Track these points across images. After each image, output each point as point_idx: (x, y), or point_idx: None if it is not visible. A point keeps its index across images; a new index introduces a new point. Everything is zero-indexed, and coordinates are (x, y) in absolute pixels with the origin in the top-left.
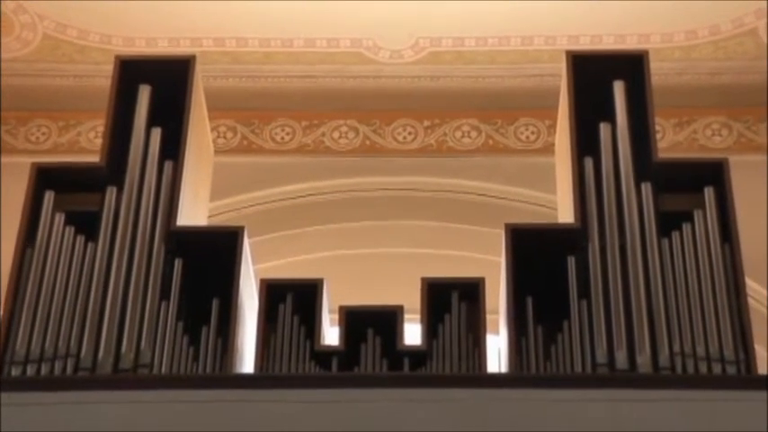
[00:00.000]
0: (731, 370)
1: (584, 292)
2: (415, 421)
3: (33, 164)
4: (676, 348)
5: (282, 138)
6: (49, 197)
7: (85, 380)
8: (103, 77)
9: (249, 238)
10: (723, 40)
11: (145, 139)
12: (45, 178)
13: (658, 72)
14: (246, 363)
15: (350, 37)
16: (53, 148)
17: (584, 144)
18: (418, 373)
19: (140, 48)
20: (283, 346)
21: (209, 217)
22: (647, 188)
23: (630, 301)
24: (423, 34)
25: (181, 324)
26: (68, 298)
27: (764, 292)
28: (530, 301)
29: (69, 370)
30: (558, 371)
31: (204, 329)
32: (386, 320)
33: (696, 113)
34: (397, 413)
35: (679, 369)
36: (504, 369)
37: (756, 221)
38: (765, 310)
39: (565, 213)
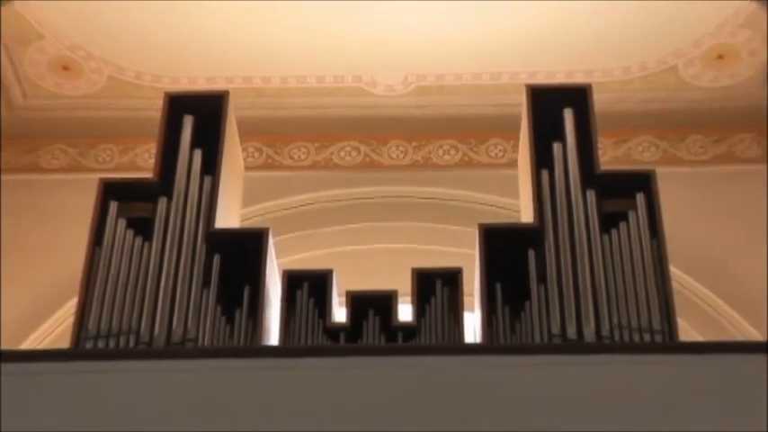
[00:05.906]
0: (658, 338)
1: (542, 278)
2: (408, 383)
3: (100, 179)
4: (615, 321)
5: (299, 156)
6: (113, 206)
7: (144, 352)
8: (155, 110)
9: (273, 237)
10: (651, 75)
11: (189, 158)
12: (110, 191)
13: (600, 101)
14: (272, 337)
15: (352, 74)
16: (116, 167)
17: (541, 159)
18: (410, 344)
19: (184, 85)
20: (301, 324)
21: (241, 221)
22: (591, 194)
23: (579, 284)
24: (411, 71)
25: (219, 307)
26: (129, 287)
27: (685, 276)
28: (498, 286)
29: (131, 343)
30: (522, 341)
31: (238, 311)
32: (383, 302)
33: (630, 134)
34: (393, 377)
35: (618, 338)
36: (478, 340)
37: (678, 220)
38: (686, 291)
39: (526, 215)
